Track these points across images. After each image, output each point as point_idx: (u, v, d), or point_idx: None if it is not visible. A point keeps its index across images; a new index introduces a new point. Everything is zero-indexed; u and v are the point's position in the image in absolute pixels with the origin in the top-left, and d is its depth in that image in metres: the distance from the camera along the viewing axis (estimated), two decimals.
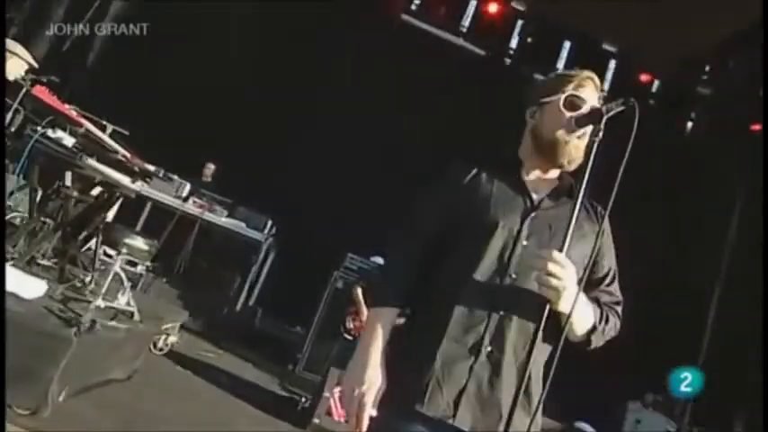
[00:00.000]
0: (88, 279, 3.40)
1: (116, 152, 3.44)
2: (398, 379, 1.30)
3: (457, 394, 1.26)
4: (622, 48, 8.70)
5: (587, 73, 1.43)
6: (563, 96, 1.38)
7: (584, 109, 1.37)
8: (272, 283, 6.44)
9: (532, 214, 1.36)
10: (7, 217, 3.28)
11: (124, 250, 3.30)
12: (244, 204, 6.04)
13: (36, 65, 3.33)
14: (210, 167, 6.67)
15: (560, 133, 1.38)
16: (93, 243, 3.86)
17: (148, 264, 4.95)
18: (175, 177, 5.58)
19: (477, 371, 1.27)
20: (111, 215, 5.21)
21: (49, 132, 2.87)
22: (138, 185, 3.99)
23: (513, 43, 8.92)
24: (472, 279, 1.32)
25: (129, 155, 3.57)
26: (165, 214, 5.59)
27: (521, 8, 8.98)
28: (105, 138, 3.39)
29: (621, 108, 1.21)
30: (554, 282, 1.17)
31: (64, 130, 3.00)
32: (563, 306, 1.20)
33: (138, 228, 5.72)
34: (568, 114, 1.36)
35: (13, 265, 2.93)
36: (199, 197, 5.75)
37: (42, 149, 2.90)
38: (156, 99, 6.74)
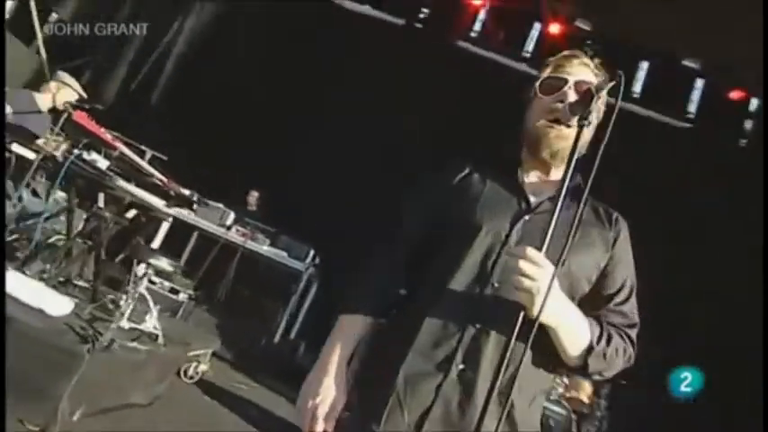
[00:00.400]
0: (121, 300, 3.51)
1: (151, 175, 3.59)
2: (359, 392, 1.19)
3: (420, 416, 1.11)
4: (706, 63, 8.09)
5: (566, 52, 1.30)
6: (537, 83, 1.27)
7: (567, 88, 1.24)
8: (314, 315, 6.40)
9: (526, 217, 1.22)
10: (51, 239, 3.46)
11: (149, 270, 3.38)
12: (287, 233, 6.12)
13: (85, 95, 3.59)
14: (255, 195, 6.85)
15: (540, 123, 1.25)
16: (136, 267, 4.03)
17: (190, 292, 5.09)
18: (220, 205, 5.76)
19: (446, 391, 1.12)
20: (157, 243, 5.44)
21: (84, 155, 3.04)
22: (184, 213, 4.15)
23: None
24: (449, 287, 1.19)
25: (165, 179, 3.72)
26: (210, 242, 5.76)
27: (586, 27, 8.66)
28: (140, 161, 3.55)
29: (612, 83, 1.07)
30: (526, 283, 1.02)
31: (99, 152, 3.17)
32: (544, 314, 1.04)
33: (185, 256, 5.93)
34: (547, 99, 1.24)
35: (45, 283, 3.07)
36: (242, 225, 5.89)
37: (78, 171, 3.07)
38: (206, 126, 7.11)
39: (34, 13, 6.58)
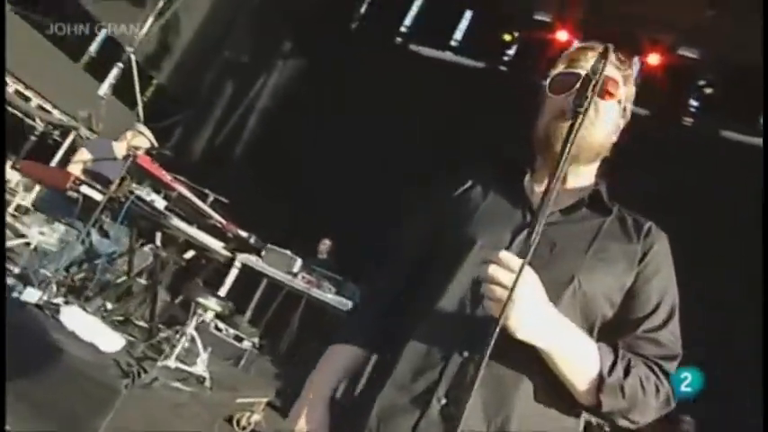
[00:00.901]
0: (175, 340, 3.61)
1: (210, 217, 3.75)
2: (339, 426, 1.11)
3: None
4: None
5: (580, 44, 1.17)
6: (547, 81, 1.16)
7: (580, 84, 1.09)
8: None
9: (529, 230, 1.08)
10: (114, 278, 3.68)
11: (206, 313, 3.45)
12: (353, 281, 6.09)
13: (156, 143, 3.89)
14: (326, 244, 6.95)
15: (546, 121, 1.13)
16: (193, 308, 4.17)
17: (255, 340, 5.15)
18: (287, 252, 5.89)
19: (424, 429, 0.97)
20: (225, 289, 5.63)
21: (144, 195, 3.24)
22: (252, 259, 4.27)
23: (692, 100, 7.85)
24: (435, 309, 1.06)
25: (223, 221, 3.87)
26: (276, 290, 5.87)
27: (692, 55, 8.06)
28: (199, 203, 3.73)
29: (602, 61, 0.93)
30: (497, 291, 0.87)
31: (158, 193, 3.37)
32: (517, 328, 0.90)
33: (253, 303, 6.07)
34: (558, 98, 1.12)
35: (103, 320, 3.24)
36: (309, 273, 5.95)
37: (138, 211, 3.27)
38: (282, 175, 7.43)
39: (136, 81, 7.42)
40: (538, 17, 8.85)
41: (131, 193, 3.18)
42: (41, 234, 3.83)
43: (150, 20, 7.49)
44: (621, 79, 1.16)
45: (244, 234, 3.98)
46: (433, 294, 1.07)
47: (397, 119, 7.78)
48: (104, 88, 7.08)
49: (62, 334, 2.96)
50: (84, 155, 3.68)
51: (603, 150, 1.17)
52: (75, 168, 3.63)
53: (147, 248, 3.75)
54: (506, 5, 8.81)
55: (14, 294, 3.01)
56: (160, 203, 3.29)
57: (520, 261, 0.88)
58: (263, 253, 5.74)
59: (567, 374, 0.95)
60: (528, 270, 0.89)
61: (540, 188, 1.17)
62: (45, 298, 3.07)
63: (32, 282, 3.12)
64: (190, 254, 3.85)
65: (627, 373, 0.96)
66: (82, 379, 2.57)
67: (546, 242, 1.04)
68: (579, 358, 0.95)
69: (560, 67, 1.17)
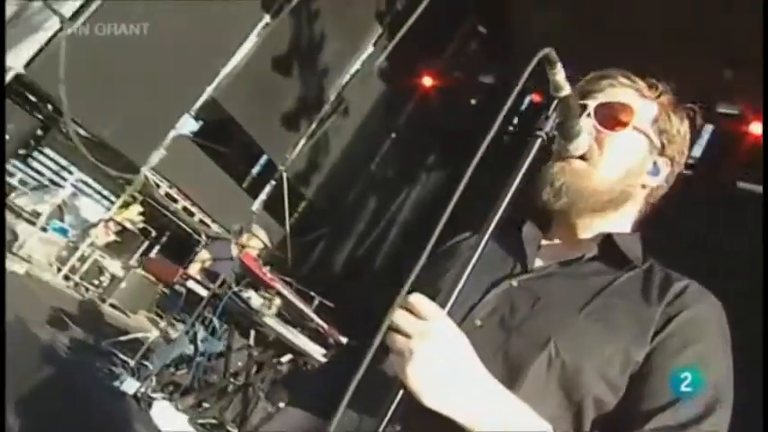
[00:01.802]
0: None
1: (310, 320, 3.77)
2: None
3: None
4: None
5: (597, 72, 1.01)
6: None
7: (586, 116, 0.94)
8: None
9: (513, 282, 0.89)
10: (216, 379, 3.80)
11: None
12: None
13: (269, 244, 4.16)
14: None
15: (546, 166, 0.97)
16: None
17: None
18: None
19: None
20: None
21: (242, 292, 3.39)
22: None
23: None
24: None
25: (325, 326, 3.85)
26: None
27: None
28: (301, 305, 3.78)
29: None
30: (398, 341, 0.70)
31: (257, 291, 3.50)
32: (420, 392, 0.69)
33: None
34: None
35: (194, 419, 3.30)
36: None
37: (234, 308, 3.42)
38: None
39: (286, 197, 8.28)
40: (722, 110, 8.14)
41: (229, 288, 3.35)
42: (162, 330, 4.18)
43: (303, 141, 8.48)
44: (643, 106, 0.93)
45: (343, 339, 3.90)
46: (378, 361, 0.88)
47: None
48: (257, 204, 7.98)
49: (149, 429, 3.07)
50: (203, 255, 4.06)
51: (619, 195, 0.95)
52: (194, 267, 4.00)
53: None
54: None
55: (116, 383, 3.25)
56: (256, 301, 3.41)
57: (434, 307, 0.72)
58: None
59: None
60: (440, 319, 0.71)
61: (547, 241, 1.00)
62: (143, 390, 3.25)
63: (136, 373, 3.34)
64: (287, 357, 3.86)
65: None
66: None
67: (528, 296, 0.87)
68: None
69: None
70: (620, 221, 0.97)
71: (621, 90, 0.97)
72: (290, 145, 8.48)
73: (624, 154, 0.94)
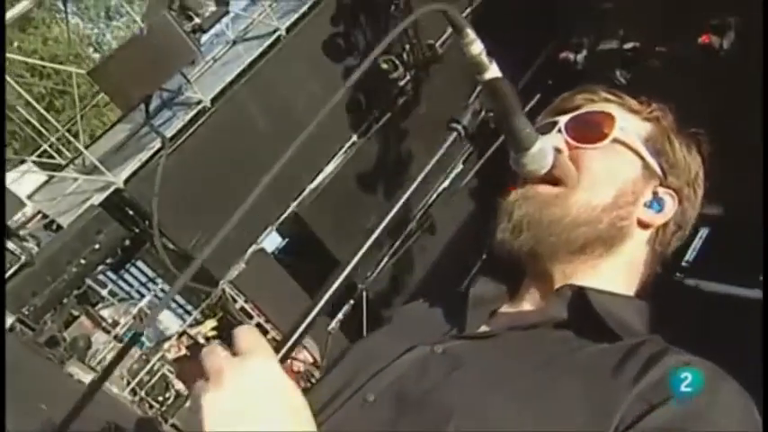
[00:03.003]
0: None
1: None
2: None
3: None
4: None
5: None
6: None
7: (556, 131, 0.78)
8: None
9: (435, 347, 0.69)
10: None
11: None
12: None
13: (318, 360, 3.98)
14: None
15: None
16: None
17: None
18: None
19: None
20: None
21: None
22: None
23: None
24: None
25: None
26: None
27: None
28: None
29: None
30: (196, 387, 0.52)
31: None
32: None
33: None
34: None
35: None
36: None
37: None
38: None
39: (365, 317, 8.16)
40: None
41: None
42: None
43: (385, 259, 8.46)
44: (629, 119, 0.76)
45: None
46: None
47: None
48: (334, 323, 7.88)
49: None
50: None
51: (607, 230, 0.73)
52: None
53: None
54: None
55: None
56: None
57: (253, 340, 0.54)
58: None
59: None
60: (252, 356, 0.52)
61: (510, 308, 0.78)
62: None
63: None
64: None
65: None
66: None
67: (449, 364, 0.67)
68: None
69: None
70: (613, 274, 0.73)
71: (603, 104, 0.78)
72: (372, 263, 8.49)
73: (608, 173, 0.73)
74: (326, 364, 3.73)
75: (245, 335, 0.54)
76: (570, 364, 0.63)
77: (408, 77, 7.82)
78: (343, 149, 8.18)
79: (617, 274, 0.74)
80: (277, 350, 0.55)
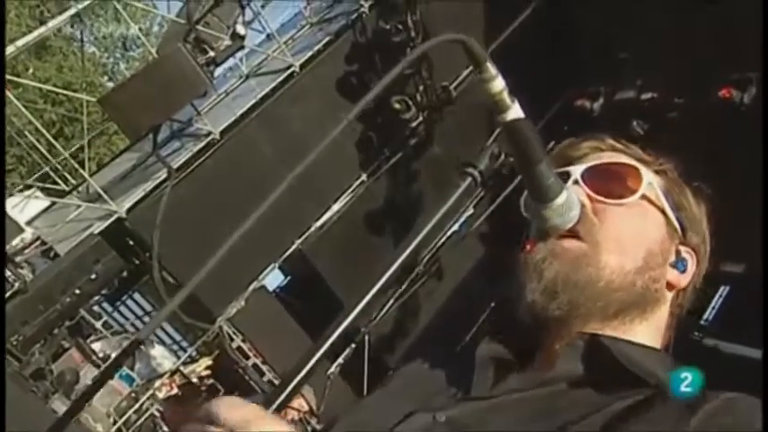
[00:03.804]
0: None
1: None
2: None
3: None
4: None
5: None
6: None
7: (572, 183, 0.76)
8: None
9: (437, 415, 0.65)
10: None
11: None
12: None
13: (315, 408, 3.90)
14: None
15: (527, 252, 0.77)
16: None
17: None
18: None
19: None
20: None
21: None
22: None
23: None
24: None
25: None
26: None
27: None
28: None
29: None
30: None
31: None
32: None
33: None
34: None
35: None
36: None
37: None
38: None
39: (366, 361, 8.02)
40: None
41: None
42: None
43: (390, 302, 8.39)
44: (648, 172, 0.71)
45: None
46: None
47: None
48: (333, 368, 7.76)
49: None
50: None
51: (641, 296, 0.70)
52: None
53: None
54: None
55: None
56: None
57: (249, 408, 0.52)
58: None
59: None
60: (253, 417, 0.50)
61: (519, 370, 0.74)
62: None
63: None
64: None
65: None
66: None
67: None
68: None
69: None
70: (642, 341, 0.70)
71: (613, 154, 0.76)
72: (376, 306, 8.41)
73: (637, 234, 0.70)
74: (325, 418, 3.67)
75: (238, 405, 0.51)
76: (591, 425, 0.59)
77: (421, 118, 7.92)
78: (352, 188, 8.21)
79: (645, 340, 0.71)
80: (273, 398, 0.53)
